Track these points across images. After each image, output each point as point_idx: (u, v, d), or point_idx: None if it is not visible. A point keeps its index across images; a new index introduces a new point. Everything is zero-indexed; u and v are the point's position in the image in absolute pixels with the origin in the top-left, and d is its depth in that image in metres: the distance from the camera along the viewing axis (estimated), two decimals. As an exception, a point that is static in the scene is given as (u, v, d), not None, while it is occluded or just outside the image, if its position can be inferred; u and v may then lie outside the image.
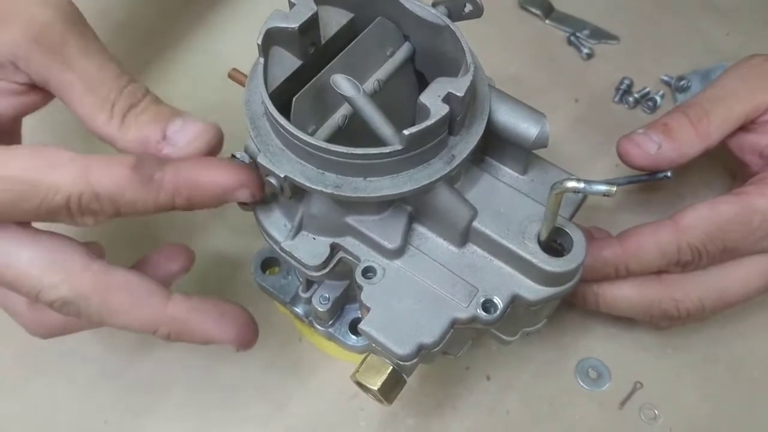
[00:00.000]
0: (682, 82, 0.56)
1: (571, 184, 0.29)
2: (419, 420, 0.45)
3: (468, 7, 0.35)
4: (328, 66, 0.34)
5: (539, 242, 0.34)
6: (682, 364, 0.47)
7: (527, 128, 0.35)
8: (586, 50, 0.60)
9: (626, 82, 0.57)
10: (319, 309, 0.40)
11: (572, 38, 0.60)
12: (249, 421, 0.45)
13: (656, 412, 0.45)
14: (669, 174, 0.42)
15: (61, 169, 0.31)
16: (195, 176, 0.33)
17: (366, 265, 0.35)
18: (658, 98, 0.56)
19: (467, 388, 0.46)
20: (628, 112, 0.57)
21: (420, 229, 0.37)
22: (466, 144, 0.33)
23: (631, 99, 0.57)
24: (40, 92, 0.36)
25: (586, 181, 0.29)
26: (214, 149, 0.34)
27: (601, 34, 0.61)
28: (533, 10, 0.62)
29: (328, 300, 0.39)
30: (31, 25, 0.33)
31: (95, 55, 0.35)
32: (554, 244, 0.35)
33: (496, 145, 0.37)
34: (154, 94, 0.36)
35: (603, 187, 0.28)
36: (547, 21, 0.62)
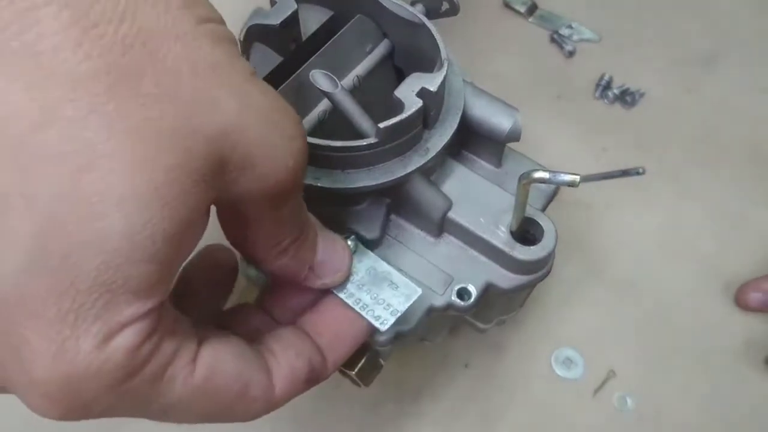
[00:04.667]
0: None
1: (538, 174, 0.30)
2: (398, 405, 0.46)
3: (445, 6, 0.36)
4: (308, 62, 0.35)
5: (511, 232, 0.36)
6: (654, 354, 0.48)
7: (500, 122, 0.36)
8: (568, 48, 0.61)
9: (606, 78, 0.59)
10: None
11: (555, 36, 0.62)
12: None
13: (628, 399, 0.46)
14: (641, 170, 0.43)
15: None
16: (343, 356, 0.31)
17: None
18: (636, 94, 0.58)
19: (446, 376, 0.47)
20: (607, 107, 0.58)
21: (398, 220, 0.38)
22: (440, 137, 0.34)
23: (610, 94, 0.58)
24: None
25: (551, 172, 0.30)
26: None
27: (583, 32, 0.62)
28: (517, 8, 0.63)
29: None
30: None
31: None
32: (527, 234, 0.36)
33: (471, 138, 0.38)
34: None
35: (568, 177, 0.30)
36: (530, 19, 0.63)
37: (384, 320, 0.32)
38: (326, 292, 0.32)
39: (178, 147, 0.20)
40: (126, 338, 0.21)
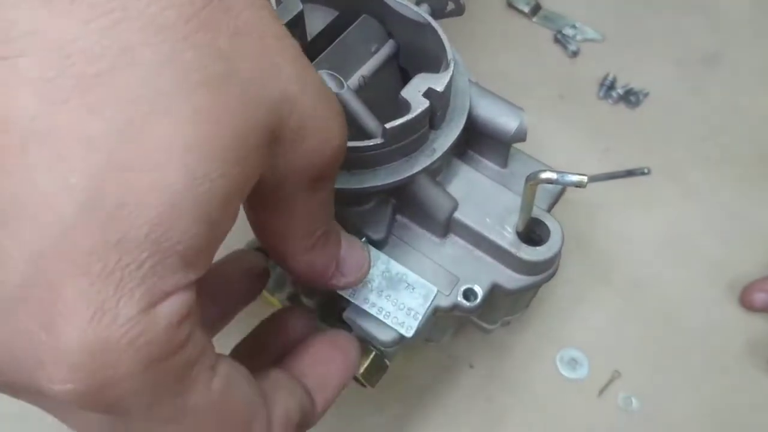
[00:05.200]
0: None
1: (545, 175, 0.30)
2: (403, 406, 0.46)
3: (450, 6, 0.36)
4: (313, 62, 0.35)
5: (517, 233, 0.36)
6: (659, 354, 0.48)
7: (506, 122, 0.36)
8: (572, 48, 0.61)
9: (610, 78, 0.59)
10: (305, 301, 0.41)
11: (559, 36, 0.62)
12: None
13: (633, 400, 0.46)
14: (646, 170, 0.44)
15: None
16: (331, 399, 0.30)
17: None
18: (640, 94, 0.58)
19: (450, 376, 0.47)
20: (611, 107, 0.58)
21: (403, 220, 0.38)
22: (446, 138, 0.34)
23: (614, 94, 0.58)
24: None
25: (559, 172, 0.30)
26: None
27: (587, 32, 0.62)
28: (520, 8, 0.63)
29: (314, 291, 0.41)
30: None
31: None
32: (533, 234, 0.36)
33: (477, 138, 0.38)
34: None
35: (575, 178, 0.30)
36: (534, 19, 0.63)
37: (408, 326, 0.32)
38: (308, 332, 0.31)
39: (247, 107, 0.20)
40: (169, 309, 0.19)
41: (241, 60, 0.20)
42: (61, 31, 0.18)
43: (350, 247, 0.30)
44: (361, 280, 0.31)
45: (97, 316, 0.18)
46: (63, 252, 0.18)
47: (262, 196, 0.24)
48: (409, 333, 0.32)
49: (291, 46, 0.22)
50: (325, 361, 0.30)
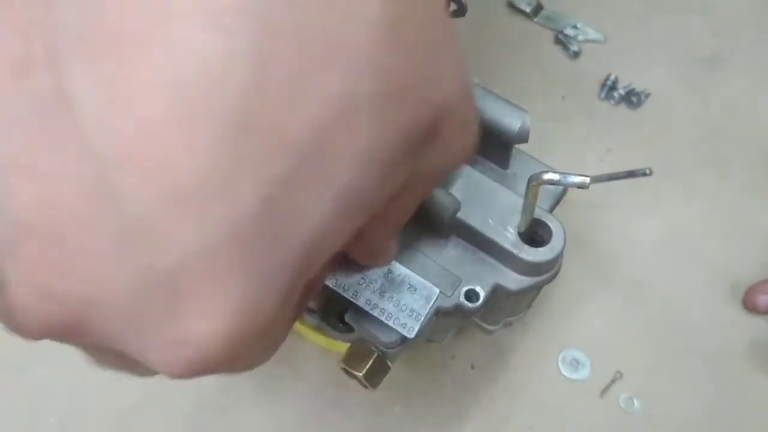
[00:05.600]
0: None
1: (548, 176, 0.30)
2: (406, 407, 0.46)
3: (453, 6, 0.36)
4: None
5: (520, 234, 0.36)
6: (661, 355, 0.48)
7: (509, 123, 0.36)
8: (573, 48, 0.61)
9: (612, 78, 0.59)
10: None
11: (560, 36, 0.61)
12: (236, 408, 0.46)
13: (635, 401, 0.46)
14: (648, 171, 0.43)
15: None
16: None
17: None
18: (642, 95, 0.58)
19: (452, 377, 0.47)
20: (613, 108, 0.58)
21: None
22: (449, 138, 0.34)
23: (616, 95, 0.58)
24: None
25: (561, 174, 0.30)
26: None
27: (588, 33, 0.62)
28: (522, 8, 0.63)
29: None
30: None
31: None
32: (535, 235, 0.36)
33: (480, 139, 0.38)
34: None
35: (578, 179, 0.30)
36: (535, 20, 0.63)
37: (410, 327, 0.32)
38: None
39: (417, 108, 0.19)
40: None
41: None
42: None
43: None
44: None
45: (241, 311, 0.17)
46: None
47: None
48: (410, 334, 0.32)
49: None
50: None
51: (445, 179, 0.23)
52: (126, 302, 0.16)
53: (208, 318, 0.17)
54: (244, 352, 0.18)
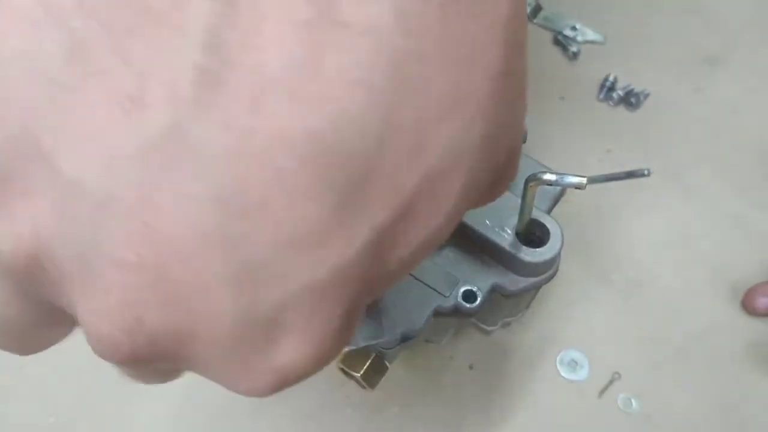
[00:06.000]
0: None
1: (545, 176, 0.30)
2: (404, 408, 0.46)
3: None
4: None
5: (517, 234, 0.36)
6: (660, 356, 0.48)
7: (507, 124, 0.36)
8: (572, 49, 0.61)
9: (611, 79, 0.59)
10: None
11: (559, 37, 0.62)
12: (237, 409, 0.46)
13: (633, 401, 0.46)
14: (646, 172, 0.43)
15: None
16: None
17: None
18: (641, 96, 0.58)
19: (451, 377, 0.47)
20: (612, 108, 0.58)
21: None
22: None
23: (615, 95, 0.58)
24: None
25: (558, 174, 0.30)
26: None
27: (587, 34, 0.62)
28: (521, 9, 0.63)
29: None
30: None
31: None
32: (533, 236, 0.36)
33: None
34: None
35: (575, 180, 0.30)
36: (534, 21, 0.63)
37: (408, 328, 0.32)
38: None
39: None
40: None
41: None
42: None
43: None
44: None
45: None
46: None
47: None
48: (408, 334, 0.32)
49: None
50: None
51: None
52: (228, 335, 0.17)
53: (304, 348, 0.17)
54: (312, 371, 0.19)
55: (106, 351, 0.17)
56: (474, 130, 0.17)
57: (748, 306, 0.48)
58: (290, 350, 0.17)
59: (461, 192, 0.18)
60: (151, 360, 0.17)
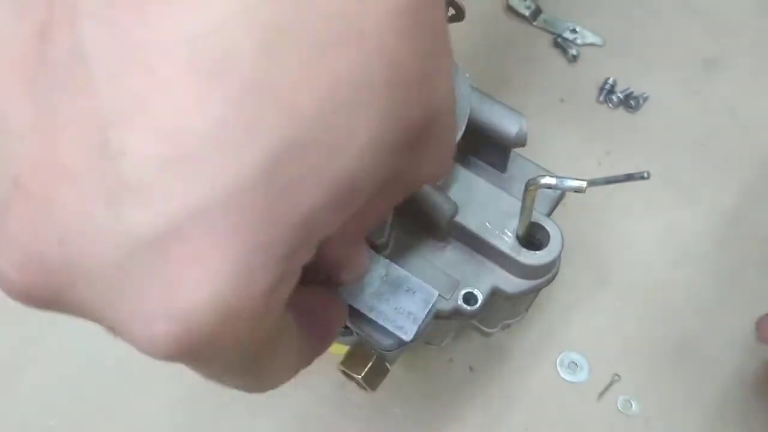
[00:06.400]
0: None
1: (545, 180, 0.31)
2: (405, 410, 0.46)
3: (450, 11, 0.37)
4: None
5: (517, 237, 0.36)
6: (659, 358, 0.48)
7: (507, 127, 0.36)
8: (572, 52, 0.61)
9: (610, 82, 0.59)
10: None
11: (559, 40, 0.62)
12: (237, 410, 0.46)
13: (633, 403, 0.46)
14: (646, 174, 0.44)
15: None
16: None
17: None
18: (640, 98, 0.58)
19: (450, 379, 0.47)
20: (611, 111, 0.58)
21: (404, 224, 0.38)
22: (447, 142, 0.35)
23: (614, 98, 0.58)
24: None
25: (558, 177, 0.30)
26: None
27: (587, 36, 0.62)
28: (521, 12, 0.63)
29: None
30: None
31: None
32: (533, 239, 0.37)
33: (477, 143, 0.38)
34: None
35: (575, 183, 0.30)
36: (534, 23, 0.63)
37: (408, 330, 0.32)
38: None
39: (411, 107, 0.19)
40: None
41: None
42: None
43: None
44: (356, 282, 0.29)
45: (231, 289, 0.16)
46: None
47: None
48: (408, 337, 0.32)
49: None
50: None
51: (414, 191, 0.22)
52: (111, 267, 0.16)
53: (197, 287, 0.16)
54: (230, 331, 0.17)
55: (5, 289, 0.17)
56: (375, 67, 0.16)
57: (760, 335, 0.47)
58: (185, 290, 0.16)
59: (368, 134, 0.17)
60: (51, 299, 0.17)
